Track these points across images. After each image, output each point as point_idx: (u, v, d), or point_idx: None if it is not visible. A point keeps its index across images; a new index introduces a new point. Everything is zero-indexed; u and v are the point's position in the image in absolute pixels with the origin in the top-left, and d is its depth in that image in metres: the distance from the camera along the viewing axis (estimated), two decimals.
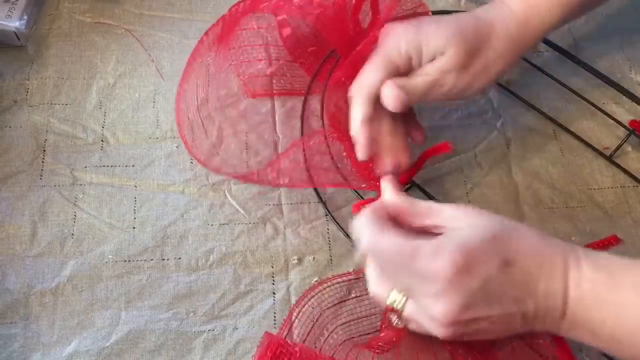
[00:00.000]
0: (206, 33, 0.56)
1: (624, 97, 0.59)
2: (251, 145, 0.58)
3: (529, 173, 0.59)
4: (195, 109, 0.57)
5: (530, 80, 0.64)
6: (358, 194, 0.55)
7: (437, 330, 0.41)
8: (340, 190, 0.56)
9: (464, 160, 0.60)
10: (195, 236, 0.54)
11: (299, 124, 0.58)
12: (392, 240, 0.41)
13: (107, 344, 0.50)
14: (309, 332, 0.49)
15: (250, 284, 0.53)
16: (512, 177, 0.59)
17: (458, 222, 0.42)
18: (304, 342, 0.48)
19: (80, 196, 0.55)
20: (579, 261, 0.41)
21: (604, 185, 0.59)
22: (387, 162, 0.51)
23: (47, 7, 0.65)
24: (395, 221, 0.44)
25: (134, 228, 0.54)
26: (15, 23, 0.60)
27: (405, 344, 0.46)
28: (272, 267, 0.54)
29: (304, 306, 0.49)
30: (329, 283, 0.51)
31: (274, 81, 0.61)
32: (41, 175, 0.56)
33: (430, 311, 0.41)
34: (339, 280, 0.51)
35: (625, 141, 0.59)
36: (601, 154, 0.60)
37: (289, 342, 0.45)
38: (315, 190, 0.56)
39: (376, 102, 0.49)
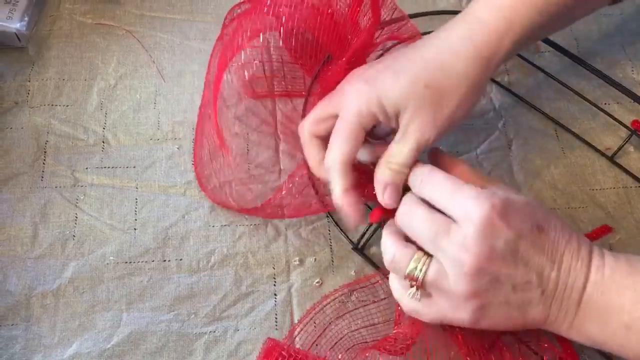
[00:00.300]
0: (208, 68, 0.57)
1: (626, 97, 0.59)
2: (252, 147, 0.58)
3: (530, 173, 0.59)
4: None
5: (532, 81, 0.64)
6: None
7: (460, 286, 0.41)
8: None
9: (465, 161, 0.59)
10: (196, 237, 0.54)
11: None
12: (446, 175, 0.44)
13: (109, 346, 0.50)
14: (311, 345, 0.49)
15: (252, 285, 0.53)
16: (514, 178, 0.59)
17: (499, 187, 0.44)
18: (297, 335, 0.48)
19: (82, 197, 0.55)
20: (602, 252, 0.43)
21: (606, 186, 0.59)
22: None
23: (48, 8, 0.64)
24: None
25: (135, 229, 0.54)
26: (16, 24, 0.60)
27: (415, 348, 0.46)
28: (274, 268, 0.54)
29: (305, 324, 0.49)
30: (332, 298, 0.51)
31: (275, 82, 0.61)
32: (42, 177, 0.56)
33: (459, 260, 0.40)
34: (341, 293, 0.51)
35: (627, 142, 0.59)
36: (603, 154, 0.60)
37: (292, 347, 0.45)
38: (315, 188, 0.56)
39: (351, 167, 0.47)
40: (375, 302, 0.51)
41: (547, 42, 0.61)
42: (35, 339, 0.49)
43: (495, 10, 0.47)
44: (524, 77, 0.65)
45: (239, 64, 0.59)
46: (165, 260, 0.53)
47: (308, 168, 0.52)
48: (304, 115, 0.54)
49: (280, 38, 0.59)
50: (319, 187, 0.53)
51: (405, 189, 0.47)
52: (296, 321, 0.50)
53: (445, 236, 0.41)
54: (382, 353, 0.45)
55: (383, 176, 0.47)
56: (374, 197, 0.48)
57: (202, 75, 0.61)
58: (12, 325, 0.50)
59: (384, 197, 0.46)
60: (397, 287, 0.46)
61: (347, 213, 0.47)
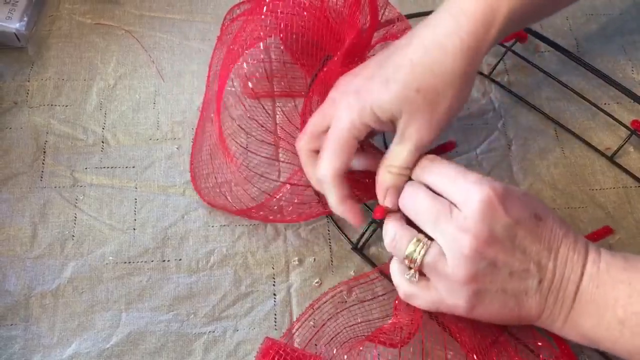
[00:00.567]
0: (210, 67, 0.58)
1: (626, 96, 0.59)
2: (252, 147, 0.58)
3: (530, 173, 0.59)
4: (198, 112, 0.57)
5: (532, 81, 0.64)
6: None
7: (457, 270, 0.41)
8: None
9: (465, 161, 0.59)
10: (195, 237, 0.54)
11: (299, 125, 0.58)
12: (444, 161, 0.45)
13: (108, 346, 0.50)
14: (309, 341, 0.49)
15: (251, 285, 0.53)
16: (514, 178, 0.59)
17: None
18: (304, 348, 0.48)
19: (81, 197, 0.55)
20: (598, 248, 0.44)
21: (606, 186, 0.59)
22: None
23: (48, 8, 0.64)
24: None
25: (134, 229, 0.54)
26: (15, 24, 0.60)
27: (412, 348, 0.46)
28: (273, 268, 0.54)
29: (304, 322, 0.49)
30: (330, 295, 0.51)
31: (275, 82, 0.61)
32: (41, 177, 0.56)
33: (458, 243, 0.41)
34: (337, 291, 0.51)
35: (626, 141, 0.59)
36: (603, 154, 0.60)
37: (288, 346, 0.45)
38: (316, 192, 0.56)
39: (345, 179, 0.48)
40: (373, 298, 0.51)
41: (547, 42, 0.61)
42: (35, 339, 0.49)
43: (484, 4, 0.46)
44: (524, 77, 0.64)
45: (239, 64, 0.59)
46: (164, 260, 0.53)
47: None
48: (302, 116, 0.54)
49: (280, 39, 0.59)
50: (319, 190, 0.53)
51: None
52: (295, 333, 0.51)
53: (445, 218, 0.42)
54: (378, 345, 0.45)
55: (384, 180, 0.47)
56: (372, 196, 0.49)
57: (201, 75, 0.61)
58: (11, 325, 0.50)
59: (385, 200, 0.47)
60: (396, 270, 0.46)
61: (347, 218, 0.49)
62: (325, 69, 0.52)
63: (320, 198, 0.53)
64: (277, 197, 0.54)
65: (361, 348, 0.45)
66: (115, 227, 0.54)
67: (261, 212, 0.54)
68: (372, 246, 0.55)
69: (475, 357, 0.44)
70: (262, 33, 0.56)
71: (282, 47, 0.60)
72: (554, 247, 0.43)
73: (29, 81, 0.60)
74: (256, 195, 0.55)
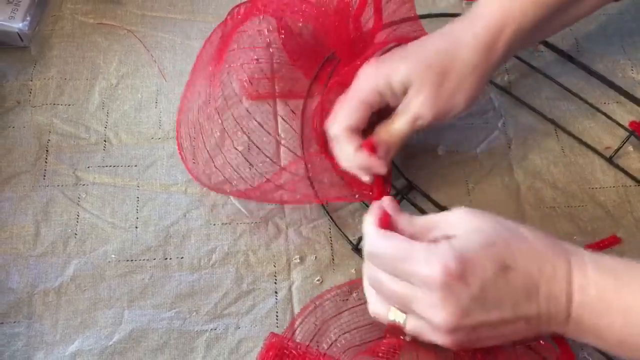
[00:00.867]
0: (209, 39, 0.57)
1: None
2: (253, 147, 0.58)
3: (530, 173, 0.59)
4: (196, 112, 0.57)
5: (531, 81, 0.64)
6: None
7: (442, 339, 0.42)
8: None
9: (465, 160, 0.60)
10: (197, 236, 0.55)
11: (299, 127, 0.58)
12: (390, 243, 0.42)
13: (110, 343, 0.50)
14: (311, 340, 0.49)
15: (253, 283, 0.53)
16: (514, 177, 0.59)
17: (456, 228, 0.42)
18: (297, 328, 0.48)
19: (83, 196, 0.56)
20: (584, 265, 0.41)
21: (606, 185, 0.59)
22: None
23: (50, 8, 0.65)
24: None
25: (136, 228, 0.55)
26: (18, 24, 0.60)
27: (407, 347, 0.46)
28: (274, 266, 0.54)
29: (306, 316, 0.49)
30: (333, 293, 0.51)
31: (275, 83, 0.61)
32: (44, 176, 0.56)
33: (432, 322, 0.41)
34: (340, 290, 0.52)
35: (625, 142, 0.59)
36: (602, 155, 0.60)
37: (292, 341, 0.45)
38: (311, 182, 0.56)
39: (358, 136, 0.51)
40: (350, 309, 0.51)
41: (546, 44, 0.61)
42: (38, 336, 0.50)
43: (494, 3, 0.51)
44: (523, 77, 0.65)
45: (240, 64, 0.59)
46: (166, 259, 0.53)
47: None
48: (303, 118, 0.54)
49: (281, 40, 0.59)
50: (314, 180, 0.54)
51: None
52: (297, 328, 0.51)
53: (414, 303, 0.41)
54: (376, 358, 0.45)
55: (377, 133, 0.51)
56: (367, 196, 0.51)
57: None
58: (15, 322, 0.50)
59: (378, 153, 0.50)
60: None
61: (365, 165, 0.51)
62: (331, 81, 0.53)
63: (315, 189, 0.53)
64: (277, 183, 0.54)
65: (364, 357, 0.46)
66: (118, 225, 0.55)
67: (258, 193, 0.54)
68: None
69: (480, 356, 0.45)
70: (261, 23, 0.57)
71: (281, 47, 0.60)
72: (531, 290, 0.41)
73: (31, 80, 0.61)
74: (249, 177, 0.56)
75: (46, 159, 0.57)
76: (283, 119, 0.60)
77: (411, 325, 0.43)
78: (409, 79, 0.50)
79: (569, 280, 0.41)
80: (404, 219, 0.45)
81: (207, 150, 0.56)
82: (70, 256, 0.53)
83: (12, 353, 0.49)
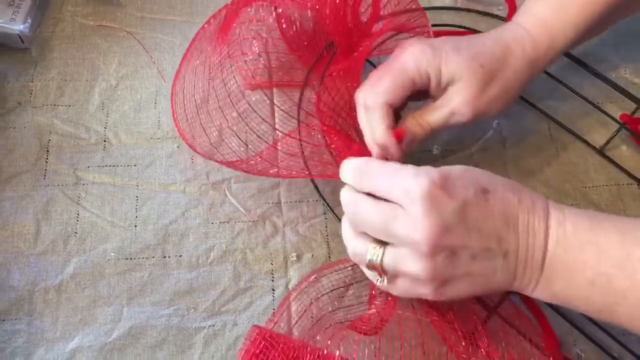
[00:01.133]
0: (208, 22, 0.57)
1: (619, 96, 0.60)
2: (250, 143, 0.59)
3: (524, 171, 0.60)
4: (195, 107, 0.58)
5: None
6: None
7: (419, 265, 0.41)
8: (339, 188, 0.57)
9: (461, 159, 0.60)
10: (196, 234, 0.55)
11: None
12: (378, 162, 0.45)
13: (110, 340, 0.51)
14: (302, 315, 0.50)
15: (250, 280, 0.54)
16: (508, 176, 0.60)
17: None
18: (294, 325, 0.49)
19: (83, 195, 0.56)
20: (561, 207, 0.43)
21: (599, 183, 0.60)
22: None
23: (51, 10, 0.66)
24: None
25: (135, 226, 0.55)
26: (19, 26, 0.61)
27: (391, 327, 0.47)
28: (272, 264, 0.55)
29: (300, 293, 0.50)
30: (329, 270, 0.52)
31: (273, 73, 0.62)
32: (45, 175, 0.57)
33: (412, 239, 0.40)
34: (336, 268, 0.52)
35: (616, 134, 0.60)
36: (594, 147, 0.61)
37: (275, 334, 0.46)
38: (316, 187, 0.57)
39: (392, 111, 0.50)
40: (350, 285, 0.52)
41: None
42: (38, 333, 0.51)
43: (539, 24, 0.52)
44: None
45: (238, 54, 0.60)
46: (165, 257, 0.54)
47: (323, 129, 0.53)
48: (300, 105, 0.55)
49: (280, 29, 0.60)
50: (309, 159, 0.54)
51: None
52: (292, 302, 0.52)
53: (394, 222, 0.41)
54: (358, 333, 0.46)
55: (406, 125, 0.50)
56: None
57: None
58: (16, 319, 0.51)
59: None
60: (368, 273, 0.47)
61: (385, 147, 0.49)
62: (330, 69, 0.54)
63: (307, 166, 0.54)
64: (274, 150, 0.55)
65: (345, 333, 0.46)
66: (117, 224, 0.55)
67: (251, 163, 0.54)
68: None
69: (463, 343, 0.45)
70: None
71: (280, 37, 0.61)
72: (510, 216, 0.41)
73: (32, 82, 0.62)
74: (242, 151, 0.57)
75: (47, 158, 0.58)
76: (280, 107, 0.61)
77: (389, 257, 0.43)
78: (460, 73, 0.49)
79: (547, 216, 0.42)
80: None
81: (201, 120, 0.57)
82: (71, 254, 0.54)
83: (13, 349, 0.50)
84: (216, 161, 0.56)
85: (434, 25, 0.63)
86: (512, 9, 0.65)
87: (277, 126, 0.60)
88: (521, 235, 0.42)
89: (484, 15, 0.68)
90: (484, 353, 0.45)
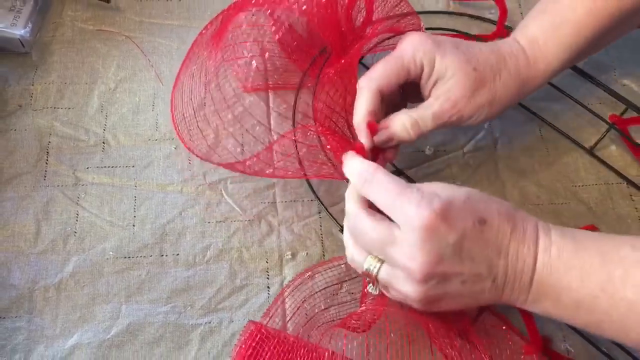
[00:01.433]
0: (205, 27, 0.59)
1: (609, 97, 0.61)
2: (246, 144, 0.60)
3: (515, 171, 0.61)
4: (192, 110, 0.59)
5: None
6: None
7: (411, 288, 0.42)
8: (333, 188, 0.58)
9: (452, 160, 0.62)
10: (192, 233, 0.56)
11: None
12: (384, 175, 0.45)
13: (108, 337, 0.52)
14: (296, 311, 0.51)
15: (246, 278, 0.55)
16: (499, 176, 0.61)
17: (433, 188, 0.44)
18: (289, 320, 0.50)
19: (82, 196, 0.57)
20: (548, 230, 0.44)
21: (588, 183, 0.61)
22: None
23: (51, 15, 0.67)
24: None
25: (134, 226, 0.56)
26: (20, 31, 0.62)
27: (381, 322, 0.48)
28: (267, 262, 0.56)
29: (294, 289, 0.51)
30: (323, 267, 0.53)
31: (269, 76, 0.63)
32: (45, 176, 0.58)
33: (406, 266, 0.42)
34: (331, 265, 0.53)
35: (605, 135, 0.61)
36: (584, 148, 0.62)
37: (270, 329, 0.47)
38: (311, 187, 0.58)
39: (380, 97, 0.51)
40: (344, 282, 0.53)
41: None
42: (38, 330, 0.52)
43: (533, 43, 0.53)
44: None
45: (234, 58, 0.61)
46: (162, 255, 0.55)
47: (317, 129, 0.54)
48: (295, 107, 0.56)
49: (275, 34, 0.61)
50: (301, 155, 0.55)
51: None
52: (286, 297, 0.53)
53: (391, 247, 0.43)
54: (348, 331, 0.47)
55: (393, 119, 0.51)
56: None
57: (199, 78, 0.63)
58: (16, 317, 0.52)
59: (370, 136, 0.51)
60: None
61: (364, 133, 0.50)
62: (324, 71, 0.55)
63: (303, 166, 0.55)
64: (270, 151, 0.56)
65: (335, 331, 0.47)
66: (116, 223, 0.56)
67: (248, 163, 0.55)
68: None
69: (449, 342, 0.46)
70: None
71: (275, 41, 0.62)
72: (502, 246, 0.43)
73: (33, 85, 0.63)
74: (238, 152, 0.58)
75: (47, 160, 0.59)
76: (275, 111, 0.62)
77: (384, 272, 0.44)
78: (452, 70, 0.50)
79: (536, 243, 0.43)
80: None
81: (198, 123, 0.58)
82: (70, 253, 0.55)
83: (14, 346, 0.51)
84: (213, 162, 0.57)
85: (426, 29, 0.64)
86: (503, 13, 0.66)
87: (272, 128, 0.61)
88: (510, 263, 0.43)
89: (476, 19, 0.69)
90: (473, 346, 0.47)
